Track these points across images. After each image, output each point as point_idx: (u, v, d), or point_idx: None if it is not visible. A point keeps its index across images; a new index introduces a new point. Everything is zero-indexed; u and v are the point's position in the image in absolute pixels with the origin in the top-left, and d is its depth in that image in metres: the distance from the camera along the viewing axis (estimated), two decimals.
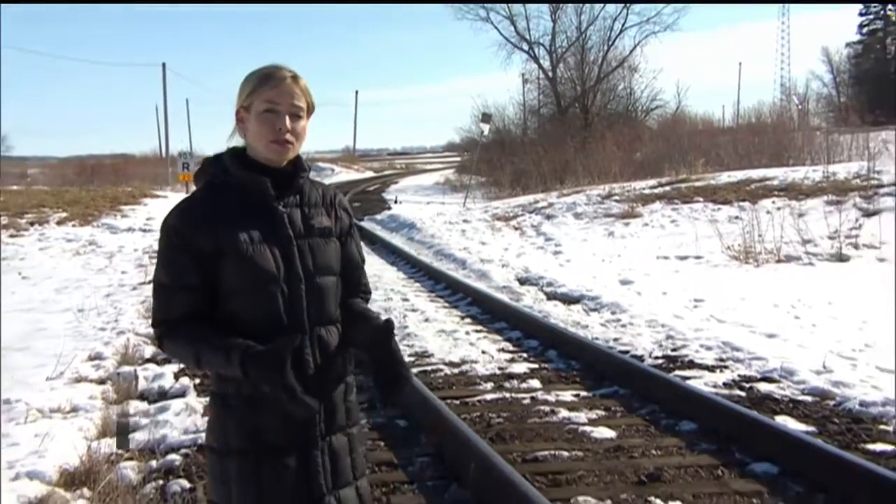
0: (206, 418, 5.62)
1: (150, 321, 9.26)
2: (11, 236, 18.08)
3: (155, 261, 2.30)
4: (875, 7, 57.98)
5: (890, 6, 57.32)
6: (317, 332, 2.23)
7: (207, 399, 6.06)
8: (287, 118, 2.19)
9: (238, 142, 2.32)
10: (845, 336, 7.65)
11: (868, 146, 21.54)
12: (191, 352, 2.17)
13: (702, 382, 6.27)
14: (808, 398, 5.90)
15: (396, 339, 2.36)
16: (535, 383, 6.52)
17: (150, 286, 2.38)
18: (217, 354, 2.09)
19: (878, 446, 4.91)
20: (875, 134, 24.97)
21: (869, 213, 14.93)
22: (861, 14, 58.87)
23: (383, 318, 2.33)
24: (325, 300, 2.26)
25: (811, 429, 5.24)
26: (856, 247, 13.09)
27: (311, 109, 2.28)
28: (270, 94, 2.18)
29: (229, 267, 2.15)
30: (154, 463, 4.90)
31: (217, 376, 2.23)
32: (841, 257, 12.69)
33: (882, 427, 5.25)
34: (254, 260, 2.15)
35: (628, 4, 40.71)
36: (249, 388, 2.14)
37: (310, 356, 2.20)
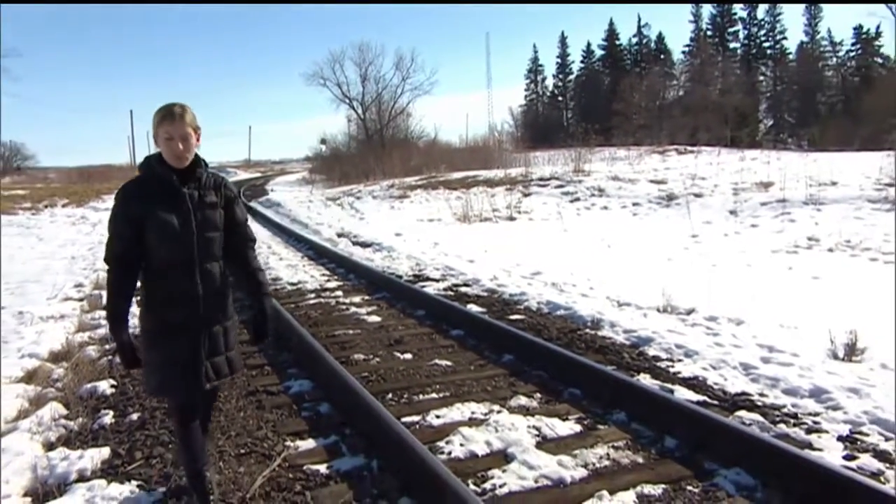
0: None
1: None
2: (32, 214, 16.80)
3: None
4: (533, 86, 61.97)
5: (542, 84, 61.12)
6: (204, 265, 2.15)
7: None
8: (180, 143, 2.09)
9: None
10: (508, 260, 8.11)
11: (527, 159, 22.95)
12: (110, 294, 2.15)
13: (432, 288, 6.39)
14: (485, 294, 6.16)
15: (264, 271, 2.37)
16: (340, 293, 6.40)
17: None
18: (111, 314, 2.15)
19: (515, 316, 5.22)
20: (531, 154, 26.59)
21: (526, 195, 15.93)
22: (525, 90, 62.70)
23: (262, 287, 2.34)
24: (209, 247, 2.16)
25: (483, 309, 5.47)
26: (519, 212, 13.93)
27: (197, 130, 2.14)
28: (168, 128, 2.08)
29: (151, 226, 2.06)
30: (108, 346, 4.45)
31: (143, 286, 2.16)
32: (511, 218, 13.47)
33: (517, 306, 5.59)
34: (165, 221, 2.07)
35: (405, 79, 40.65)
36: (162, 294, 2.10)
37: (199, 280, 2.13)
